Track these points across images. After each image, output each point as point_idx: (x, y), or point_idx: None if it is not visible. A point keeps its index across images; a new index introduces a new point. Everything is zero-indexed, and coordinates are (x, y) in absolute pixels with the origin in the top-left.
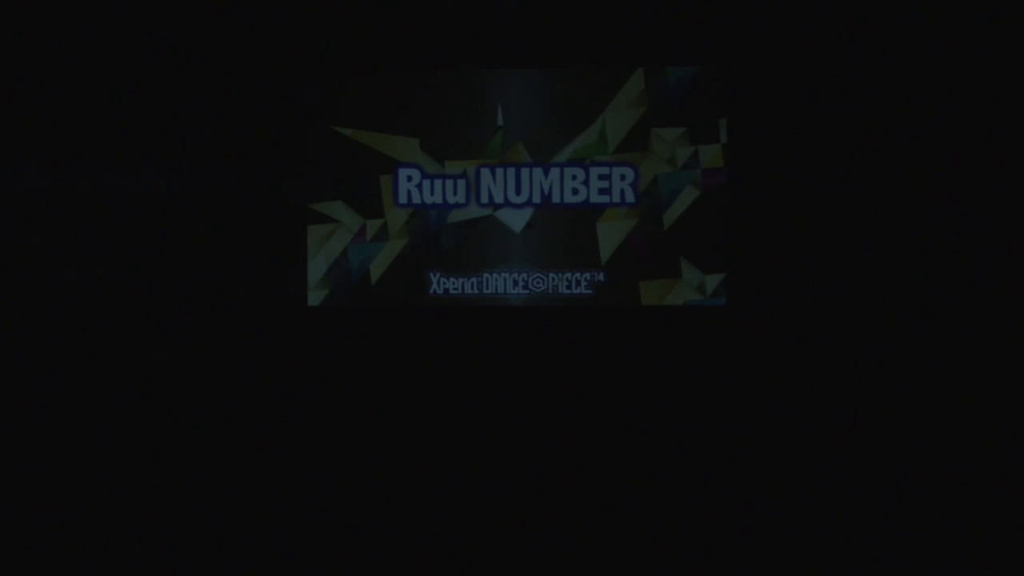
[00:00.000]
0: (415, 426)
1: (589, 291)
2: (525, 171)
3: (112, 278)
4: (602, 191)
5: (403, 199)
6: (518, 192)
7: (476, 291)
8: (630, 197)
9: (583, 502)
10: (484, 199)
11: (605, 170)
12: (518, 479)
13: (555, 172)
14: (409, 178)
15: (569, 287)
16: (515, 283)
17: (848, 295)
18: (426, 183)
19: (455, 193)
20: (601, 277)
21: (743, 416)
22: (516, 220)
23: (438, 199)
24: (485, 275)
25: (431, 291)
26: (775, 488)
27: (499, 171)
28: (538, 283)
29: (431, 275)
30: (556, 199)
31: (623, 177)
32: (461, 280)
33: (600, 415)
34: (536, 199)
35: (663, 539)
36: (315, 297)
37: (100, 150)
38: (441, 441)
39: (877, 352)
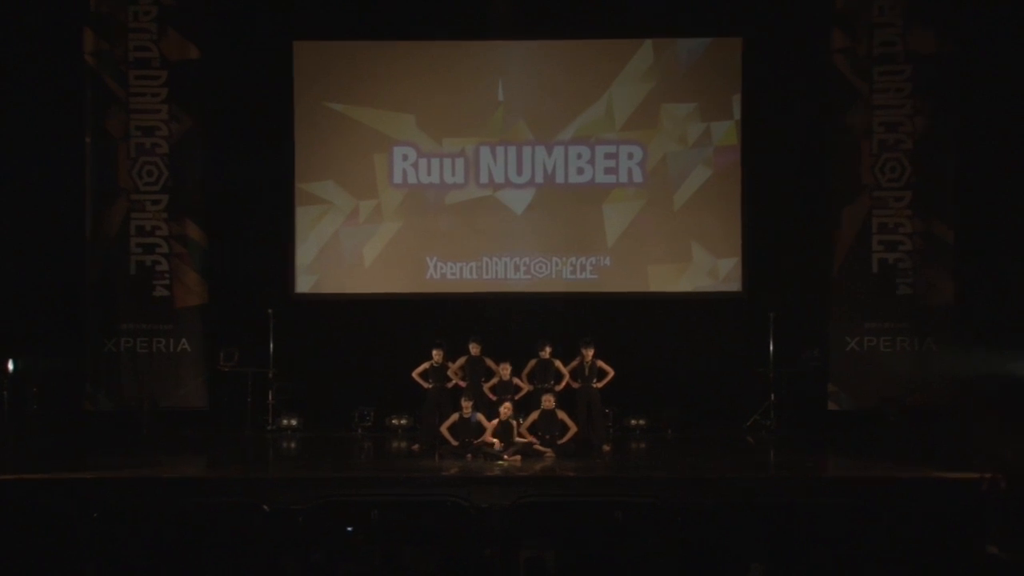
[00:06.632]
0: (410, 420)
1: (594, 276)
2: (527, 149)
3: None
4: (608, 171)
5: (398, 179)
6: (519, 172)
7: (475, 276)
8: (638, 177)
9: (587, 497)
10: (484, 179)
11: (612, 148)
12: (518, 475)
13: (559, 151)
14: (404, 157)
15: (573, 272)
16: (516, 268)
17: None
18: (422, 162)
19: (453, 173)
20: (607, 262)
21: (755, 409)
22: (517, 201)
23: (435, 179)
24: (485, 259)
25: (428, 276)
26: (783, 482)
27: (499, 150)
28: (540, 268)
29: (428, 259)
30: (560, 179)
31: (630, 156)
32: (459, 265)
33: (606, 403)
34: (539, 179)
35: (667, 535)
36: (304, 282)
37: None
38: (438, 436)
39: (893, 341)
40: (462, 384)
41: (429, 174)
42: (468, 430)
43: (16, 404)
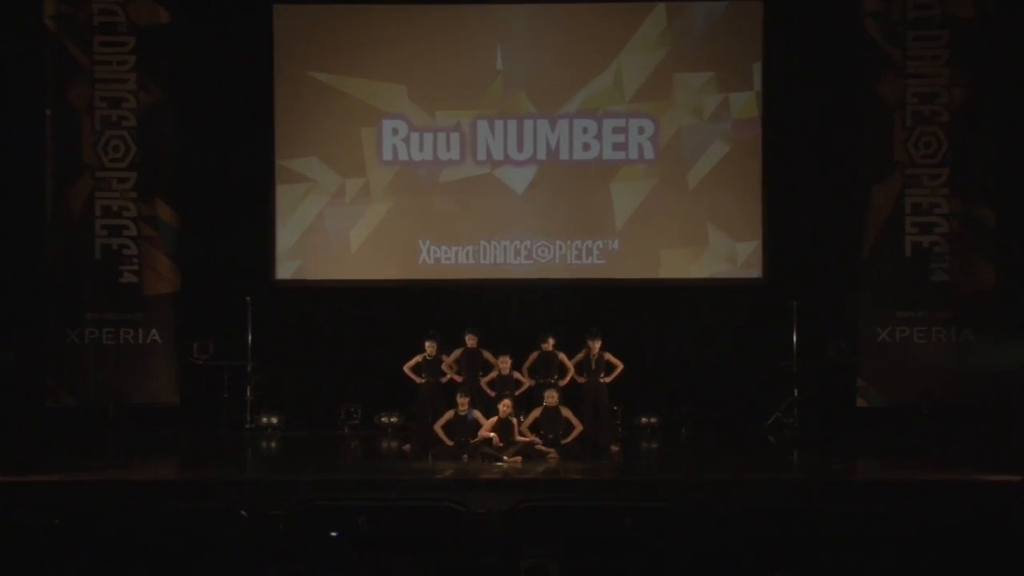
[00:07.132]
0: (401, 418)
1: (601, 261)
2: (528, 123)
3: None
4: (617, 146)
5: (388, 155)
6: (520, 148)
7: (472, 261)
8: (649, 153)
9: (593, 501)
10: (481, 155)
11: (620, 122)
12: (519, 477)
13: (563, 124)
14: (395, 131)
15: (579, 257)
16: (517, 252)
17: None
18: (414, 137)
19: (448, 149)
20: (615, 245)
21: (776, 406)
22: (518, 180)
23: (428, 155)
24: (482, 243)
25: (420, 261)
26: (807, 486)
27: (498, 123)
28: (543, 252)
29: (420, 243)
30: (564, 155)
31: (641, 130)
32: (455, 249)
33: (614, 399)
34: (541, 155)
35: (680, 543)
36: (286, 268)
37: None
38: (432, 435)
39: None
40: (457, 379)
41: (422, 150)
42: (464, 428)
43: None
